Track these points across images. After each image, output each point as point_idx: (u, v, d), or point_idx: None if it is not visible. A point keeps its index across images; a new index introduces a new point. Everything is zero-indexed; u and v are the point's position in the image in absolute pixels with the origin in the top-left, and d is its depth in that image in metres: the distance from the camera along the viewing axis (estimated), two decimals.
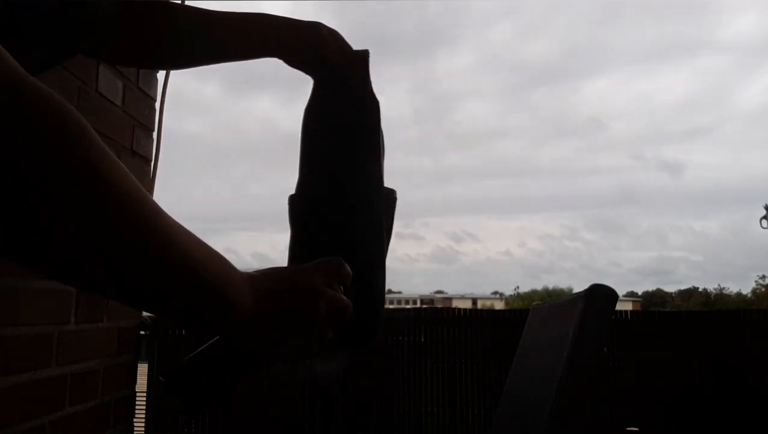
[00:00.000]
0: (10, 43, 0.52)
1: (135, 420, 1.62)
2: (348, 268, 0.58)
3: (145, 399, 5.61)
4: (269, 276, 0.53)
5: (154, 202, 0.43)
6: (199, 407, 0.60)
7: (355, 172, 0.71)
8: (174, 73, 1.46)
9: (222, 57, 0.82)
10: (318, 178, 0.72)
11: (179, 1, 1.40)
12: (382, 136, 0.75)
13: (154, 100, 1.58)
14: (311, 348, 0.54)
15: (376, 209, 0.71)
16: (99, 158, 0.39)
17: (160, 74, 1.58)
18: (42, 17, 0.65)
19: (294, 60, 0.80)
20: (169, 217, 0.44)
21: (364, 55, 0.77)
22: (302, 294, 0.53)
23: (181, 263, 0.44)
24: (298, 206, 0.72)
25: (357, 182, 0.71)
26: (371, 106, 0.74)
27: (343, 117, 0.73)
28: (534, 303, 1.76)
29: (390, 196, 0.75)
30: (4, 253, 0.38)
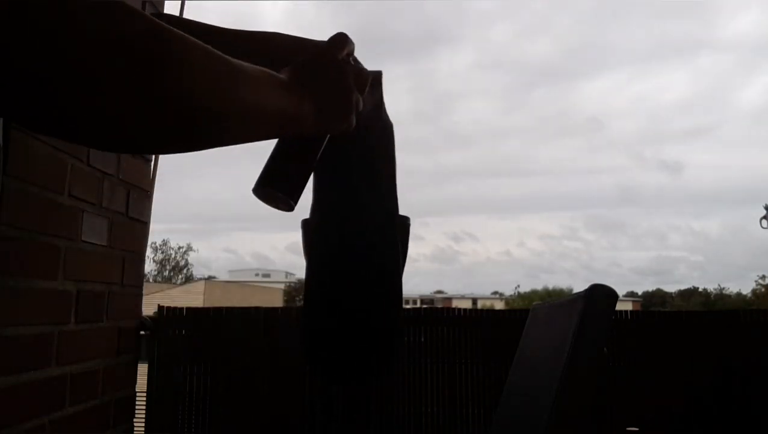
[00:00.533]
0: None
1: (135, 420, 1.62)
2: (349, 37, 0.66)
3: (145, 399, 5.62)
4: (305, 66, 0.61)
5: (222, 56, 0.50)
6: (297, 190, 0.64)
7: (370, 201, 0.72)
8: None
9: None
10: (334, 206, 0.72)
11: (180, 5, 1.39)
12: (395, 160, 0.75)
13: None
14: (351, 114, 0.62)
15: (392, 237, 0.72)
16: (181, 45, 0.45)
17: None
18: None
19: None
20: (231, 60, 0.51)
21: (377, 76, 0.77)
22: (336, 72, 0.62)
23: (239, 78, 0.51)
24: (314, 233, 0.72)
25: (372, 211, 0.72)
26: (384, 131, 0.74)
27: (359, 141, 0.73)
28: (534, 303, 1.76)
29: (404, 223, 0.75)
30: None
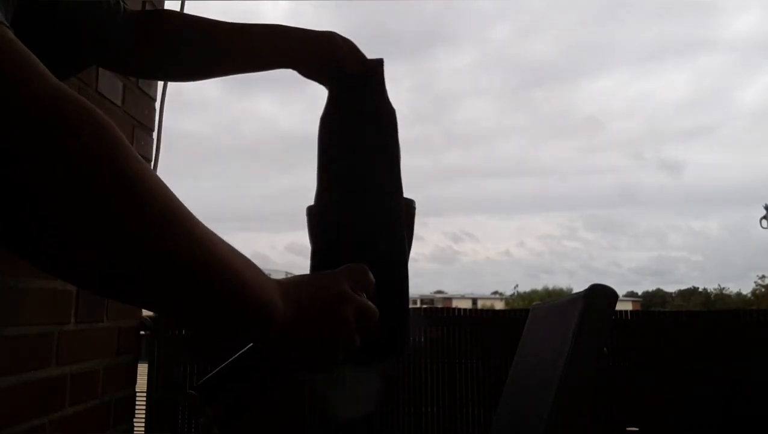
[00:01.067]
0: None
1: (135, 420, 1.62)
2: (371, 276, 0.58)
3: (145, 399, 5.62)
4: (297, 284, 0.54)
5: (187, 209, 0.43)
6: (233, 418, 0.59)
7: (374, 184, 0.71)
8: None
9: (236, 68, 0.82)
10: (337, 190, 0.71)
11: (180, 5, 1.39)
12: (398, 144, 0.75)
13: (154, 100, 1.58)
14: (340, 355, 0.54)
15: (397, 220, 0.71)
16: (136, 167, 0.39)
17: None
18: (62, 32, 0.67)
19: (308, 71, 0.79)
20: (204, 226, 0.44)
21: (379, 63, 0.77)
22: (330, 300, 0.53)
23: (216, 270, 0.44)
24: (318, 218, 0.72)
25: (377, 194, 0.71)
26: (388, 117, 0.74)
27: (360, 128, 0.73)
28: (534, 303, 1.76)
29: (409, 206, 0.75)
30: (40, 261, 0.39)
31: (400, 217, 0.72)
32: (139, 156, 0.41)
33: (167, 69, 0.85)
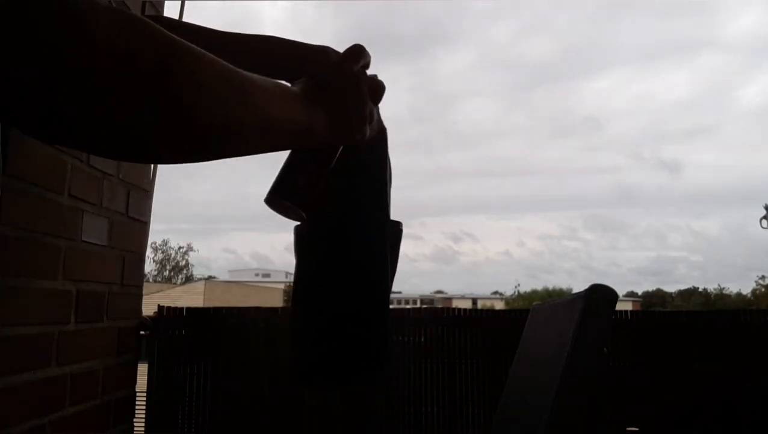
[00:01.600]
0: None
1: (135, 420, 1.62)
2: (365, 48, 0.66)
3: (145, 399, 5.61)
4: (318, 78, 0.61)
5: (226, 66, 0.50)
6: (306, 198, 0.65)
7: (362, 205, 0.72)
8: None
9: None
10: (324, 210, 0.72)
11: (180, 5, 1.40)
12: (390, 163, 0.75)
13: None
14: (365, 125, 0.62)
15: (384, 242, 0.72)
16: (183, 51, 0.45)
17: None
18: None
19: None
20: (246, 75, 0.52)
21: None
22: (347, 83, 0.62)
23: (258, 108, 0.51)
24: (305, 239, 0.72)
25: (364, 216, 0.72)
26: (379, 136, 0.74)
27: (350, 147, 0.73)
28: (534, 303, 1.76)
29: (396, 227, 0.75)
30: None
31: (385, 239, 0.72)
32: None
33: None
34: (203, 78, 0.46)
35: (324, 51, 0.80)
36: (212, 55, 0.48)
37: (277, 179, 0.65)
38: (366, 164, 0.73)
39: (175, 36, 0.45)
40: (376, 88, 0.65)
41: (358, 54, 0.65)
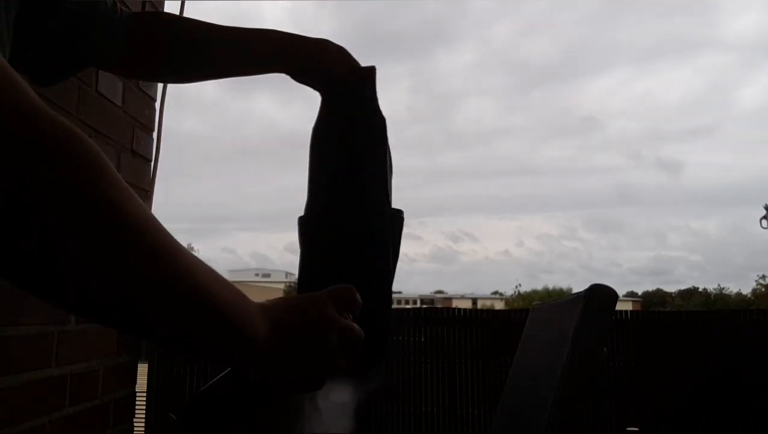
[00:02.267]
0: (28, 56, 0.54)
1: (135, 420, 1.62)
2: (359, 297, 0.57)
3: (145, 399, 5.61)
4: (281, 306, 0.53)
5: (169, 234, 0.43)
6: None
7: (362, 195, 0.72)
8: None
9: (228, 71, 0.83)
10: (327, 200, 0.72)
11: (180, 5, 1.39)
12: (390, 153, 0.75)
13: (154, 100, 1.58)
14: (323, 378, 0.54)
15: (385, 231, 0.72)
16: (118, 194, 0.39)
17: None
18: (62, 33, 0.69)
19: (298, 75, 0.80)
20: (186, 250, 0.44)
21: (371, 71, 0.77)
22: (314, 324, 0.52)
23: (197, 295, 0.43)
24: (307, 228, 0.72)
25: (365, 205, 0.71)
26: (379, 126, 0.74)
27: (351, 137, 0.73)
28: (534, 303, 1.76)
29: (397, 216, 0.75)
30: (22, 285, 0.39)
31: (387, 228, 0.72)
32: (124, 183, 0.40)
33: (160, 70, 0.86)
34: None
35: (323, 43, 0.79)
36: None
37: (199, 395, 0.58)
38: (367, 154, 0.73)
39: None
40: (351, 340, 0.54)
41: (341, 299, 0.56)
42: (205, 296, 0.43)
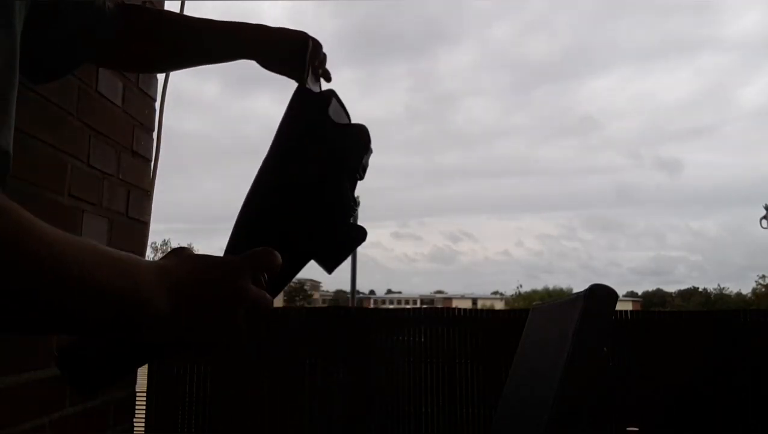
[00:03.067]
0: (21, 55, 0.55)
1: (135, 420, 1.62)
2: (278, 258, 0.56)
3: (145, 399, 5.62)
4: (189, 270, 0.51)
5: (42, 230, 0.44)
6: (87, 390, 0.58)
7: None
8: (174, 73, 1.46)
9: (205, 59, 0.88)
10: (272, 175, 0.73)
11: (180, 4, 1.40)
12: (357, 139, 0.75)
13: (154, 100, 1.58)
14: (224, 344, 0.53)
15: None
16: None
17: (160, 74, 1.58)
18: (61, 31, 0.71)
19: (270, 63, 0.84)
20: (58, 234, 0.44)
21: (329, 95, 0.76)
22: (223, 295, 0.51)
23: (76, 276, 0.43)
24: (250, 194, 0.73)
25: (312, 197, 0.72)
26: (335, 152, 0.74)
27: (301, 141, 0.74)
28: (534, 303, 1.76)
29: (357, 232, 0.74)
30: None
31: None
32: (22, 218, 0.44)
33: (143, 60, 0.90)
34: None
35: (297, 34, 0.83)
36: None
37: (83, 341, 0.56)
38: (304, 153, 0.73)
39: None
40: (258, 309, 0.54)
41: (266, 262, 0.55)
42: (84, 274, 0.44)
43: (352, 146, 0.74)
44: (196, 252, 0.55)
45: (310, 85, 0.80)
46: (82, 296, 0.44)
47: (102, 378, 0.56)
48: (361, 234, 0.73)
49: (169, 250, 0.56)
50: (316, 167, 0.72)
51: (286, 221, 0.71)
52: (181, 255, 0.53)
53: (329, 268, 0.73)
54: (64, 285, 0.43)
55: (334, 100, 0.76)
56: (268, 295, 0.56)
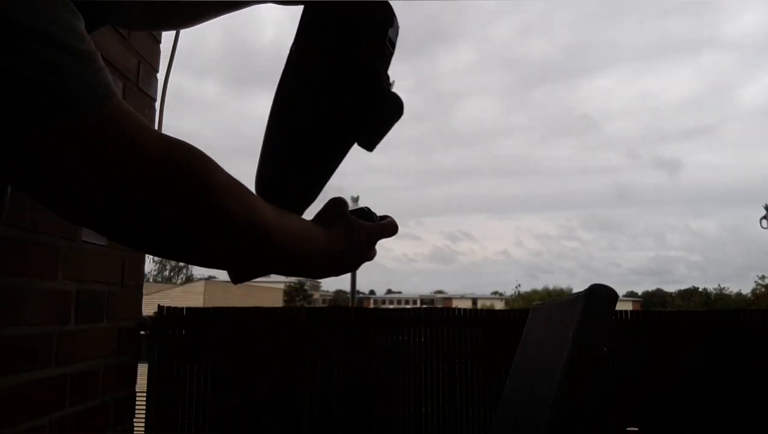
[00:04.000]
0: None
1: (135, 420, 1.62)
2: (397, 228, 0.77)
3: (145, 399, 5.62)
4: (344, 238, 0.70)
5: (266, 211, 0.58)
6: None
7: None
8: (173, 72, 1.46)
9: (221, 8, 0.85)
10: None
11: None
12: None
13: (154, 100, 1.58)
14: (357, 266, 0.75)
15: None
16: (223, 190, 0.53)
17: (160, 74, 1.58)
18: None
19: None
20: (273, 210, 0.60)
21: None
22: (363, 254, 0.73)
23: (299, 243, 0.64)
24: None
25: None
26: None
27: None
28: (534, 303, 1.76)
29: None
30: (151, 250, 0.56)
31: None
32: (223, 171, 0.53)
33: (163, 16, 0.87)
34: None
35: None
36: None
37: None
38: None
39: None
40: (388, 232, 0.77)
41: (388, 231, 0.77)
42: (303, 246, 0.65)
43: (375, 17, 0.72)
44: (345, 213, 0.73)
45: None
46: (276, 249, 0.60)
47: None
48: (397, 105, 0.74)
49: (329, 201, 0.74)
50: (342, 40, 0.70)
51: (319, 99, 0.71)
52: (339, 222, 0.71)
53: (370, 146, 0.75)
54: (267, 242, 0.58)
55: None
56: (376, 250, 0.76)
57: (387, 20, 0.72)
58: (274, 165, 0.73)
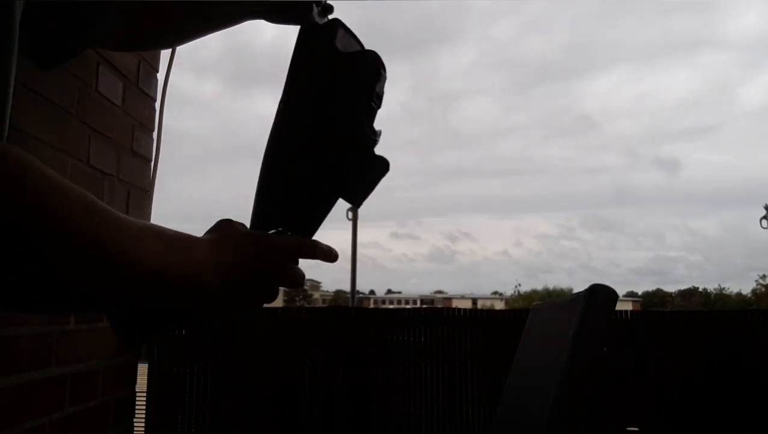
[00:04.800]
0: (26, 40, 0.54)
1: (135, 420, 1.62)
2: (321, 247, 0.63)
3: (145, 399, 5.62)
4: (237, 247, 0.56)
5: (96, 209, 0.44)
6: (134, 343, 0.65)
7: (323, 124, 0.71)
8: (173, 72, 1.46)
9: (210, 26, 0.84)
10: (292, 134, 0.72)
11: None
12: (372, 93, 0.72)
13: (154, 100, 1.58)
14: (257, 310, 0.59)
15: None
16: (38, 182, 0.41)
17: (160, 74, 1.58)
18: (56, 14, 0.67)
19: (277, 16, 0.80)
20: (112, 215, 0.45)
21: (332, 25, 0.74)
22: (265, 272, 0.58)
23: (131, 259, 0.45)
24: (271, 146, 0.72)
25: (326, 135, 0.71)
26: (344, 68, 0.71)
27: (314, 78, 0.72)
28: (534, 303, 1.76)
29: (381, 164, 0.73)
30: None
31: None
32: (49, 174, 0.42)
33: (155, 39, 0.87)
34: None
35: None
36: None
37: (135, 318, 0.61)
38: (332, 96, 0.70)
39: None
40: (295, 282, 0.60)
41: (306, 249, 0.62)
42: (140, 257, 0.46)
43: (361, 73, 0.72)
44: (242, 228, 0.61)
45: (317, 19, 0.77)
46: (131, 271, 0.46)
47: (147, 333, 0.62)
48: (383, 165, 0.72)
49: (217, 222, 0.62)
50: (328, 100, 0.70)
51: (307, 162, 0.70)
52: (229, 231, 0.58)
53: (357, 202, 0.72)
54: (107, 262, 0.44)
55: (340, 29, 0.73)
56: (301, 271, 0.62)
57: (374, 75, 0.72)
58: (267, 209, 0.71)
